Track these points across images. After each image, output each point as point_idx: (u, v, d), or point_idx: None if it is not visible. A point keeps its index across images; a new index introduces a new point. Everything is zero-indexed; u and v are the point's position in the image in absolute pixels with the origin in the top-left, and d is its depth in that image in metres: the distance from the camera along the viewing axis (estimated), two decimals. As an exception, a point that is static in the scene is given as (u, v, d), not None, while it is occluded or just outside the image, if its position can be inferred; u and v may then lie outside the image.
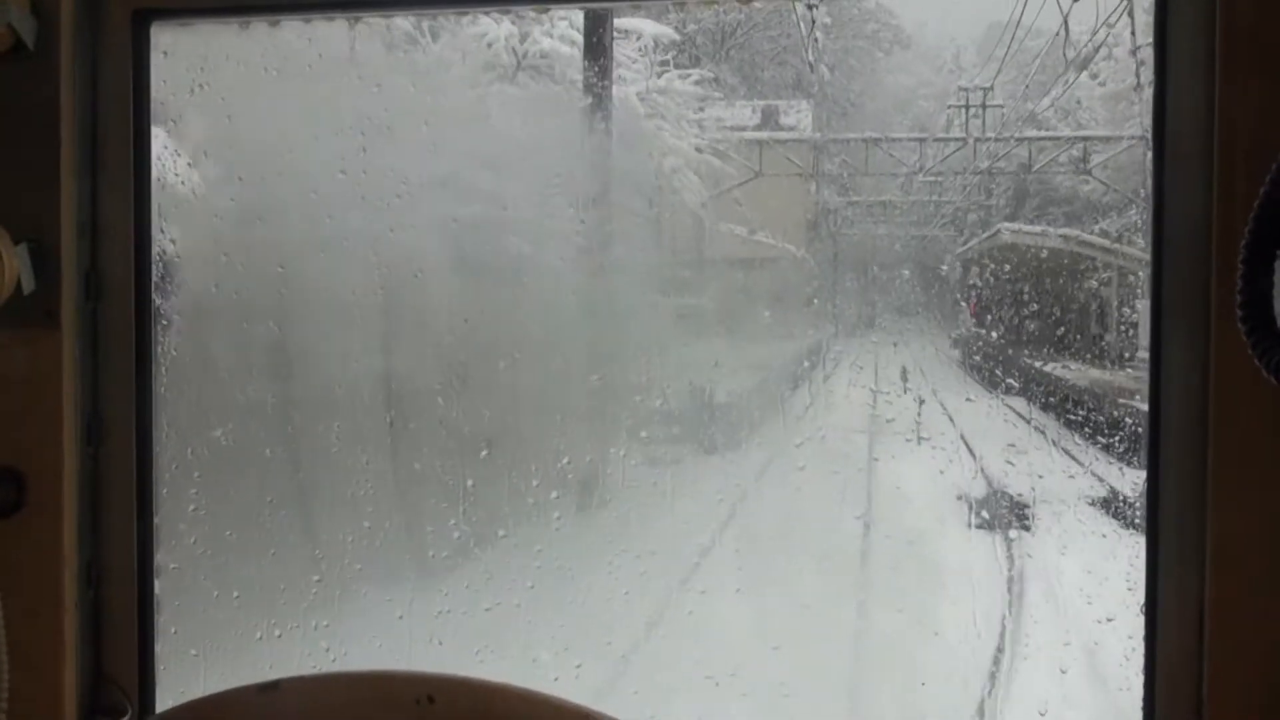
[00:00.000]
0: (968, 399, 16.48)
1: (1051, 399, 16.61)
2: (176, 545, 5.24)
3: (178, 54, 3.80)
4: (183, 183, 5.55)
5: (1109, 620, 10.46)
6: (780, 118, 26.07)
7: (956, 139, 23.45)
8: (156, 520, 3.52)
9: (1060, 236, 20.51)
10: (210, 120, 5.49)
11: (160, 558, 3.58)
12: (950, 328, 24.04)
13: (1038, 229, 22.08)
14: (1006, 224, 23.05)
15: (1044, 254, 20.24)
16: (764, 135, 24.28)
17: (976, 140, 23.26)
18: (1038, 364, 17.75)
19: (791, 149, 24.74)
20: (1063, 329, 19.02)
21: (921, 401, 15.06)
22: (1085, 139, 22.12)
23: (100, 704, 3.31)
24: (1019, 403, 15.84)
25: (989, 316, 21.29)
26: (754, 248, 22.83)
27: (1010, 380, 16.61)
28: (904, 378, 17.28)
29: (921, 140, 25.06)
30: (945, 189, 40.94)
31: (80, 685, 3.23)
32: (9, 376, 3.08)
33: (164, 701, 3.38)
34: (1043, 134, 23.17)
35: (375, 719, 2.40)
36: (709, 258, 22.40)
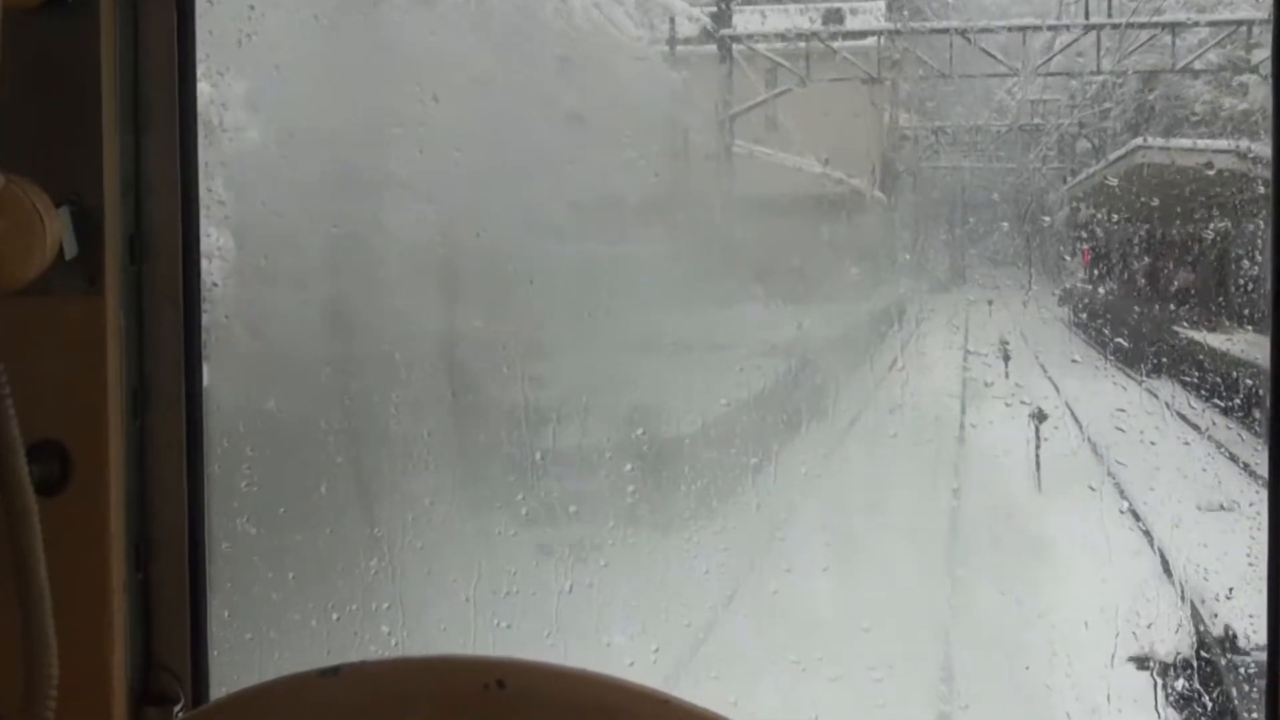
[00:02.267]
0: (1092, 394, 15.37)
1: (1212, 382, 14.99)
2: (229, 523, 5.30)
3: (224, 2, 3.80)
4: (230, 139, 5.58)
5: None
6: (846, 19, 24.07)
7: (1075, 25, 20.35)
8: (207, 497, 3.54)
9: (1234, 153, 15.82)
10: (259, 72, 5.51)
11: (212, 537, 3.61)
12: (1056, 280, 23.58)
13: (1192, 144, 17.62)
14: (1142, 141, 19.15)
15: (1198, 179, 16.23)
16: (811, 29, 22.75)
17: (1098, 28, 20.08)
18: (1190, 332, 16.27)
19: (856, 53, 22.69)
20: (1223, 284, 17.22)
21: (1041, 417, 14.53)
22: (1248, 23, 17.87)
23: (151, 691, 3.33)
24: (1166, 391, 14.85)
25: (1115, 267, 20.42)
26: (813, 182, 21.86)
27: (1151, 356, 15.49)
28: (1005, 357, 16.87)
29: (1027, 31, 21.83)
30: (1048, 111, 39.52)
31: (130, 671, 3.25)
32: (50, 346, 3.10)
33: (217, 689, 3.40)
34: (1191, 18, 19.11)
35: (441, 705, 2.39)
36: (746, 195, 21.64)
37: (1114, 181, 19.62)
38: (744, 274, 17.16)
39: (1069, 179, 39.82)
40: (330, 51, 6.67)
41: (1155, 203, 17.99)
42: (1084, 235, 21.11)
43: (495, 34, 11.08)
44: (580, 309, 11.80)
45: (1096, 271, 20.32)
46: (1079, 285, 21.48)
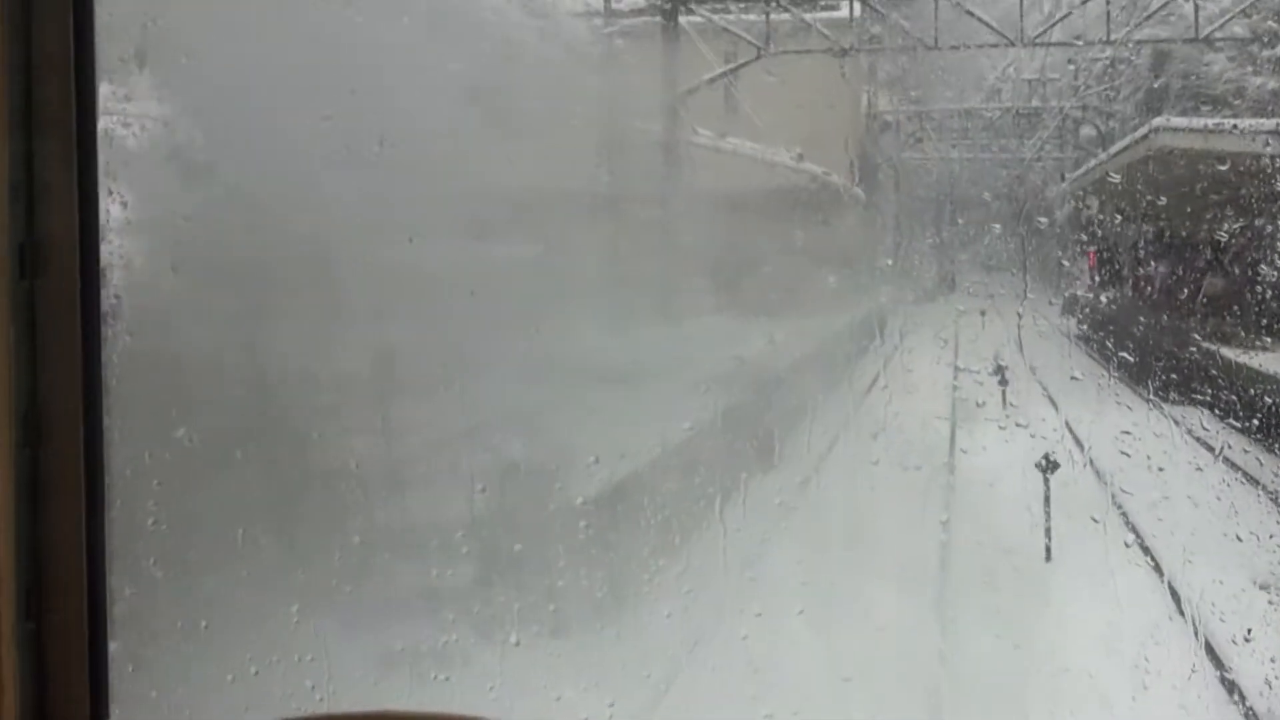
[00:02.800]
0: (1122, 432, 14.58)
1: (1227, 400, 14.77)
2: (133, 567, 5.26)
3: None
4: (135, 138, 5.56)
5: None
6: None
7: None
8: (108, 537, 3.52)
9: (1276, 133, 14.73)
10: (167, 63, 5.50)
11: (114, 581, 3.58)
12: (1056, 287, 23.64)
13: (1222, 124, 16.46)
14: (1163, 121, 17.51)
15: (1226, 167, 15.12)
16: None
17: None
18: (1208, 344, 15.96)
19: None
20: (1248, 290, 16.25)
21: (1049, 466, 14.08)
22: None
23: (45, 753, 3.31)
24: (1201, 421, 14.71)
25: (1123, 272, 20.07)
26: (783, 176, 21.52)
27: (1160, 372, 15.26)
28: (1001, 380, 16.83)
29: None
30: (1048, 92, 39.40)
31: (22, 732, 3.24)
32: (-68, 369, 3.09)
33: (120, 750, 3.39)
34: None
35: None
36: (706, 192, 21.22)
37: (1123, 173, 19.18)
38: (706, 282, 17.20)
39: (1071, 171, 39.87)
40: (246, 37, 6.67)
41: (1172, 197, 17.29)
42: (1087, 236, 20.99)
43: (419, 13, 11.09)
44: (525, 324, 11.81)
45: (1101, 277, 20.32)
46: (1081, 294, 21.56)
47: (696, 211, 20.07)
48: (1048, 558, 13.41)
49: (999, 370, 16.54)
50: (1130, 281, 20.21)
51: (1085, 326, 20.74)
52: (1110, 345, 17.34)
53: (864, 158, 39.58)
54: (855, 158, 35.82)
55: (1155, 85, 22.10)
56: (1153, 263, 19.90)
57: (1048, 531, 13.27)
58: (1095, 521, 13.03)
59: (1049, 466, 13.60)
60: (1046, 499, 13.51)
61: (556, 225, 14.04)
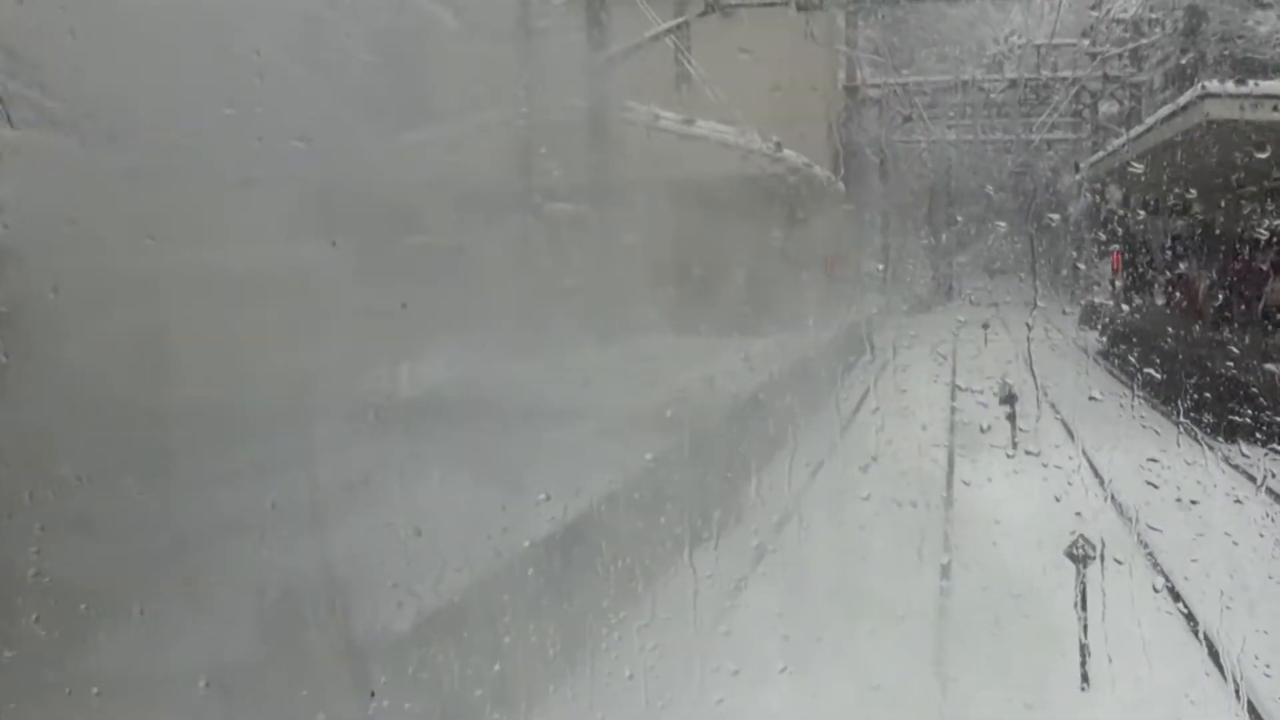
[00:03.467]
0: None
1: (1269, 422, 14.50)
2: (11, 625, 5.19)
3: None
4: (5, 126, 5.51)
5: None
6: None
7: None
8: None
9: None
10: (46, 39, 5.46)
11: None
12: (1072, 294, 23.53)
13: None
14: (1213, 85, 16.49)
15: None
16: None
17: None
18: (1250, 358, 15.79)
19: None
20: None
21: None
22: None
23: None
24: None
25: (1157, 275, 19.57)
26: (751, 165, 21.04)
27: (1191, 390, 15.19)
28: (1009, 414, 16.75)
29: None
30: (1060, 60, 38.87)
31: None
32: None
33: None
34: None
35: None
36: (657, 183, 20.48)
37: (1154, 156, 18.81)
38: (669, 291, 17.19)
39: (1088, 155, 39.49)
40: (140, 10, 6.64)
41: (1215, 185, 16.91)
42: (1107, 234, 20.85)
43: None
44: (460, 343, 11.81)
45: (1125, 281, 20.18)
46: (1101, 301, 21.49)
47: (657, 208, 19.88)
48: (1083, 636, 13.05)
49: (1008, 397, 16.48)
50: (1161, 287, 20.11)
51: (1106, 339, 20.60)
52: (1134, 360, 17.30)
53: (842, 141, 39.13)
54: (834, 142, 35.46)
55: (1189, 51, 21.64)
56: (1190, 264, 19.85)
57: (1084, 629, 12.08)
58: (1119, 563, 13.04)
59: (1082, 554, 11.94)
60: (1080, 599, 12.05)
61: (485, 228, 13.97)
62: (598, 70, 21.48)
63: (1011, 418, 16.24)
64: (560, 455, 12.46)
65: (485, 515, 10.38)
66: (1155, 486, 13.54)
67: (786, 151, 21.86)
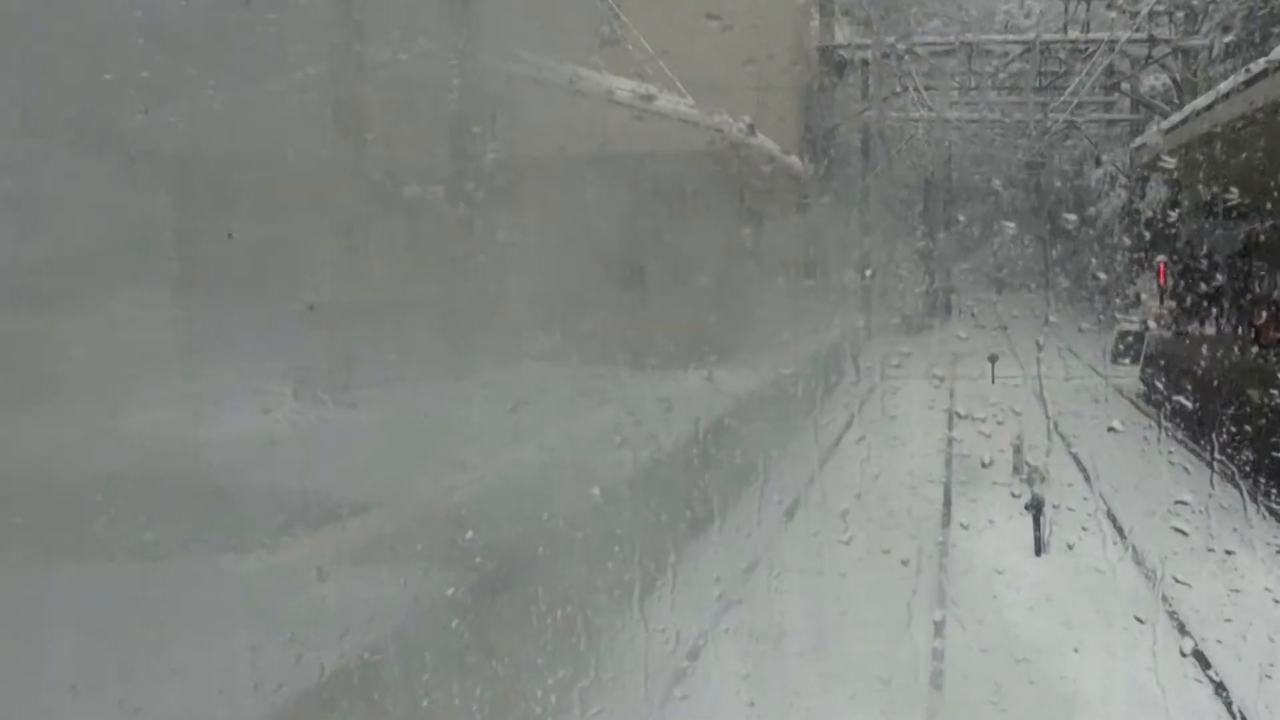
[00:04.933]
0: None
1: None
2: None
3: None
4: None
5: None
6: None
7: None
8: None
9: None
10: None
11: None
12: (1103, 317, 23.19)
13: None
14: None
15: None
16: None
17: None
18: None
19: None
20: None
21: None
22: None
23: None
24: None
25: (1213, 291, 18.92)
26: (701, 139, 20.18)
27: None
28: (1033, 505, 16.64)
29: None
30: (1092, 20, 37.29)
31: None
32: None
33: None
34: None
35: None
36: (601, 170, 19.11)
37: (1221, 139, 17.92)
38: (619, 297, 17.22)
39: (1124, 141, 38.29)
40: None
41: None
42: (1152, 240, 20.36)
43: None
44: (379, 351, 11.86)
45: (1180, 302, 19.50)
46: (1136, 328, 21.06)
47: (608, 199, 19.57)
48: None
49: (1034, 500, 16.32)
50: (1227, 309, 19.39)
51: (1157, 380, 19.71)
52: (1195, 410, 16.69)
53: (813, 117, 38.07)
54: (805, 121, 34.61)
55: (1265, 6, 20.99)
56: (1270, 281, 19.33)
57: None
58: (1140, 623, 13.19)
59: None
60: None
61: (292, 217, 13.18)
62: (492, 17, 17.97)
63: (1037, 513, 15.93)
64: (498, 481, 12.44)
65: (396, 561, 10.34)
66: (1184, 533, 13.69)
67: (760, 136, 21.77)
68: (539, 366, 14.94)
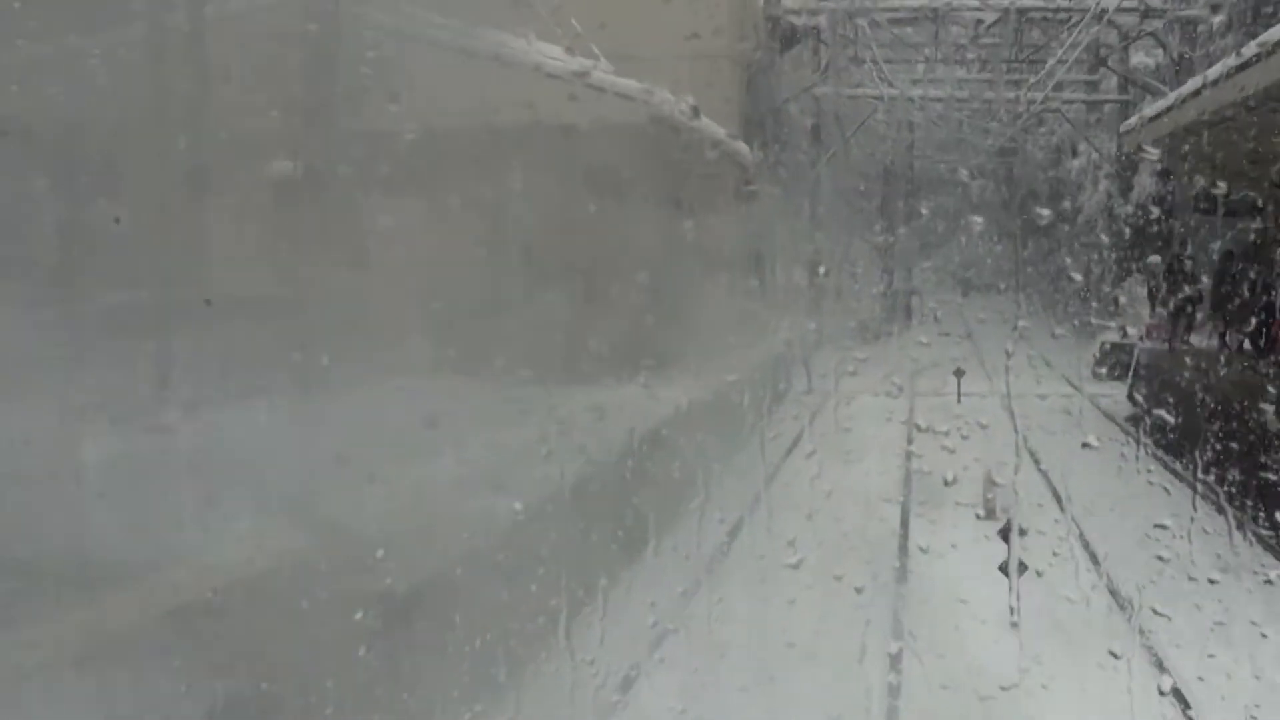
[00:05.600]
0: None
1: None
2: None
3: None
4: None
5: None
6: None
7: None
8: None
9: None
10: None
11: None
12: (1079, 322, 23.33)
13: None
14: None
15: None
16: None
17: None
18: None
19: None
20: None
21: None
22: None
23: None
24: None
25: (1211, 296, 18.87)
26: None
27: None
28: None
29: None
30: None
31: None
32: None
33: None
34: None
35: None
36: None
37: (1225, 124, 17.51)
38: (550, 294, 17.16)
39: (1109, 125, 38.34)
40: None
41: None
42: (1138, 235, 20.42)
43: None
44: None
45: (1166, 309, 19.49)
46: (1115, 340, 21.11)
47: (532, 188, 19.30)
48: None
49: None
50: (1233, 317, 19.07)
51: (1147, 399, 19.35)
52: (1190, 433, 16.64)
53: (759, 95, 37.88)
54: (748, 99, 34.48)
55: None
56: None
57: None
58: (1115, 658, 13.14)
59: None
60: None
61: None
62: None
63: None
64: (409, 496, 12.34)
65: (304, 580, 10.16)
66: (1164, 560, 13.67)
67: (704, 119, 21.65)
68: (455, 373, 14.36)
